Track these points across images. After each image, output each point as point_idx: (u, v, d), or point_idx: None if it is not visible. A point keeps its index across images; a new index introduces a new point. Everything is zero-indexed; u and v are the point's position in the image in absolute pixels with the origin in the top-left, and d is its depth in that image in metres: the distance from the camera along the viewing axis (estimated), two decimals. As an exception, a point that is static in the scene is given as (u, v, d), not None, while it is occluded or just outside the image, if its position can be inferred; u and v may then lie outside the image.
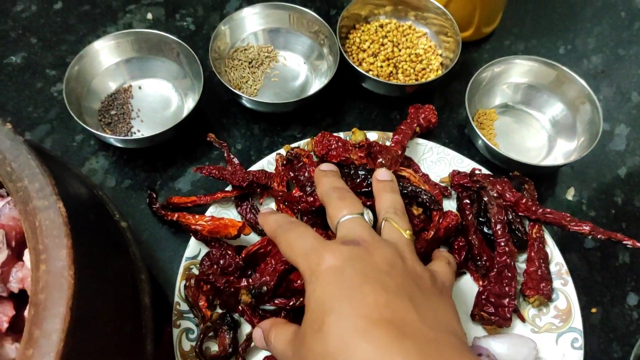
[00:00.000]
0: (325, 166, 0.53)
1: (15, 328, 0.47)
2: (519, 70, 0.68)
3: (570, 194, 0.66)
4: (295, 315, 0.52)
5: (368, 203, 0.54)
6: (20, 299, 0.47)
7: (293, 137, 0.67)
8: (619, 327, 0.58)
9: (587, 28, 0.79)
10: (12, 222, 0.47)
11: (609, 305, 0.59)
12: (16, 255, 0.46)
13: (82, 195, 0.50)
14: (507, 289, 0.55)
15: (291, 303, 0.51)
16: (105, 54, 0.64)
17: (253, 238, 0.58)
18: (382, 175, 0.52)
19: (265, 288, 0.50)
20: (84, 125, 0.58)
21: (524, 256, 0.59)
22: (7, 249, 0.45)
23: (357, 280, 0.38)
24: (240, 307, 0.53)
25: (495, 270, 0.55)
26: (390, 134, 0.63)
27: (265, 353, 0.53)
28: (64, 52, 0.71)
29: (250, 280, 0.51)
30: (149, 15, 0.74)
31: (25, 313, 0.46)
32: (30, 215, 0.39)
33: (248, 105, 0.65)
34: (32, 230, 0.38)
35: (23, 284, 0.45)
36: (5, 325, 0.45)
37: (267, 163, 0.61)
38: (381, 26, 0.72)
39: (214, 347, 0.53)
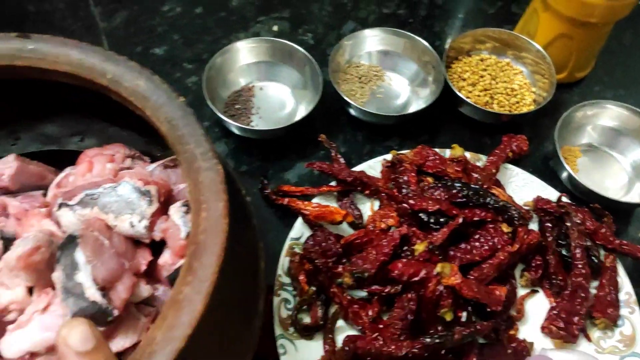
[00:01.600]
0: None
1: (149, 272, 0.55)
2: (608, 114, 0.73)
3: (643, 234, 0.70)
4: (387, 302, 0.59)
5: (454, 212, 0.60)
6: (155, 249, 0.56)
7: (391, 147, 0.74)
8: (681, 361, 0.61)
9: (675, 84, 0.84)
10: (161, 182, 0.56)
11: (673, 340, 0.63)
12: (162, 209, 0.55)
13: (226, 170, 0.59)
14: (578, 307, 0.60)
15: (386, 290, 0.57)
16: (243, 54, 0.74)
17: (348, 230, 0.65)
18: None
19: (366, 274, 0.56)
20: (215, 111, 0.68)
21: (595, 283, 0.63)
22: (158, 203, 0.54)
23: None
24: (332, 288, 0.60)
25: (569, 289, 0.60)
26: (482, 156, 0.70)
27: (346, 332, 0.59)
28: (201, 50, 0.81)
29: (352, 265, 0.57)
30: (275, 27, 0.84)
31: (159, 261, 0.54)
32: (195, 173, 0.47)
33: (355, 113, 0.73)
34: (195, 185, 0.46)
35: (164, 234, 0.54)
36: (144, 267, 0.54)
37: (368, 167, 0.69)
38: (482, 60, 0.79)
39: (306, 319, 0.60)
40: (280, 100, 0.76)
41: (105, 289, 0.48)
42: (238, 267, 0.51)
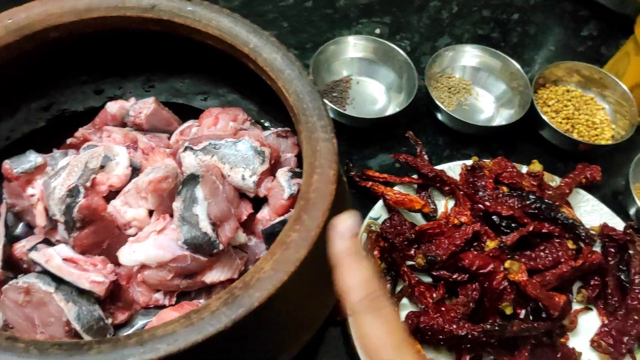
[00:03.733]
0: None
1: (247, 224, 0.62)
2: (682, 161, 0.77)
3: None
4: (451, 287, 0.64)
5: (526, 220, 0.65)
6: (256, 205, 0.62)
7: (469, 155, 0.79)
8: None
9: None
10: (274, 147, 0.63)
11: None
12: (270, 171, 0.61)
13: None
14: (629, 329, 0.63)
15: (454, 276, 0.62)
16: (350, 47, 0.81)
17: (420, 219, 0.71)
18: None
19: (438, 259, 0.62)
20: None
21: (647, 312, 0.66)
22: (269, 164, 0.60)
23: None
24: (403, 267, 0.65)
25: (624, 310, 0.64)
26: (556, 177, 0.74)
27: (407, 309, 0.64)
28: (305, 40, 0.88)
29: (426, 249, 0.63)
30: (377, 30, 0.91)
31: (258, 215, 0.61)
32: (314, 141, 0.53)
33: (441, 118, 0.78)
34: (313, 151, 0.53)
35: (268, 193, 0.60)
36: (245, 217, 0.61)
37: (448, 168, 0.74)
38: (567, 91, 0.83)
39: (375, 292, 0.65)
40: (373, 97, 0.82)
41: (215, 225, 0.55)
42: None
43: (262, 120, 0.71)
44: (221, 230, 0.56)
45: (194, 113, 0.69)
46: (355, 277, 0.36)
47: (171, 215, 0.56)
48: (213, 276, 0.56)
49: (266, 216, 0.61)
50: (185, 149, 0.60)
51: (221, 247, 0.54)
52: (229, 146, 0.60)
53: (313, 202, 0.49)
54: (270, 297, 0.43)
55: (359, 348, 0.43)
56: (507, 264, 0.59)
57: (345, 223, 0.37)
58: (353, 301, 0.35)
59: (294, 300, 0.49)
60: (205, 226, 0.54)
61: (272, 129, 0.66)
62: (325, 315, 0.56)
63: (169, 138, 0.67)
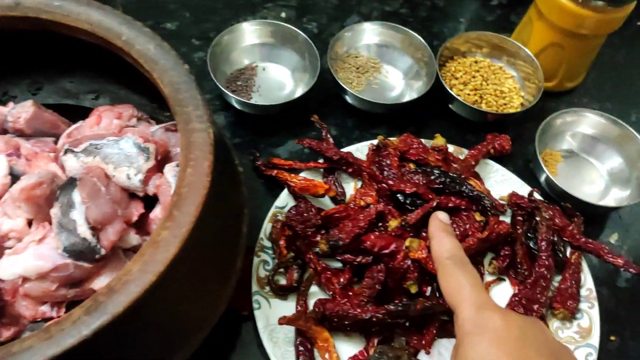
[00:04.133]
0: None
1: (139, 224, 0.59)
2: (587, 122, 0.77)
3: (613, 238, 0.73)
4: (358, 274, 0.62)
5: (430, 196, 0.64)
6: (147, 205, 0.60)
7: (380, 135, 0.77)
8: (633, 357, 0.65)
9: (661, 104, 0.87)
10: (161, 142, 0.60)
11: (628, 337, 0.66)
12: (158, 167, 0.59)
13: (218, 136, 0.63)
14: (538, 296, 0.63)
15: (357, 260, 0.61)
16: (248, 34, 0.78)
17: (329, 204, 0.69)
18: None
19: (340, 243, 0.60)
20: (217, 83, 0.72)
21: (559, 277, 0.66)
22: (154, 160, 0.58)
23: (530, 352, 0.40)
24: (309, 254, 0.64)
25: (532, 278, 0.64)
26: (465, 150, 0.74)
27: (317, 296, 0.63)
28: (208, 28, 0.86)
29: (329, 234, 0.61)
30: (283, 14, 0.88)
31: (150, 215, 0.59)
32: (189, 133, 0.51)
33: (350, 100, 0.77)
34: (187, 143, 0.50)
35: (157, 190, 0.58)
36: (135, 217, 0.58)
37: (356, 149, 0.72)
38: (476, 62, 0.83)
39: (282, 281, 0.63)
40: (280, 82, 0.80)
41: (95, 229, 0.52)
42: (220, 224, 0.55)
43: (158, 116, 0.68)
44: (103, 234, 0.53)
45: (87, 113, 0.65)
46: (445, 245, 0.50)
47: (51, 223, 0.53)
48: (102, 282, 0.54)
49: (158, 215, 0.58)
50: (66, 151, 0.57)
51: (103, 252, 0.52)
52: (111, 145, 0.57)
53: (185, 196, 0.47)
54: (137, 301, 0.41)
55: (445, 295, 0.47)
56: (407, 242, 0.58)
57: (442, 215, 0.55)
58: (442, 257, 0.49)
59: (172, 301, 0.47)
60: (84, 231, 0.51)
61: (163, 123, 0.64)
62: (219, 311, 0.54)
63: (56, 142, 0.63)
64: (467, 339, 0.42)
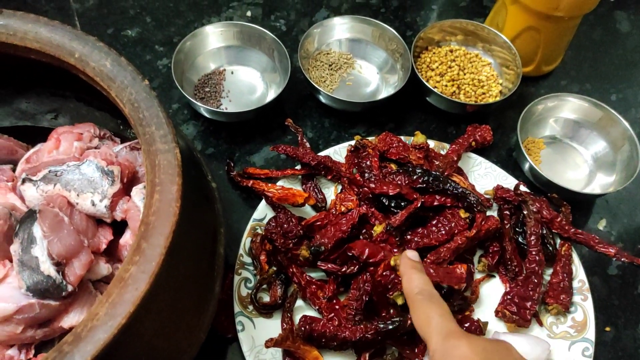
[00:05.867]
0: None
1: (109, 251, 0.56)
2: (569, 107, 0.75)
3: (601, 225, 0.72)
4: (344, 281, 0.60)
5: (415, 196, 0.62)
6: (117, 229, 0.56)
7: (358, 134, 0.75)
8: (628, 347, 0.63)
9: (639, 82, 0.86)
10: (127, 163, 0.57)
11: (622, 327, 0.65)
12: (125, 190, 0.56)
13: (186, 151, 0.59)
14: (531, 293, 0.61)
15: (343, 270, 0.58)
16: (212, 38, 0.74)
17: (310, 212, 0.66)
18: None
19: (322, 248, 0.57)
20: (183, 93, 0.68)
21: (550, 270, 0.65)
22: (120, 183, 0.54)
23: None
24: (291, 268, 0.61)
25: (523, 275, 0.62)
26: (446, 145, 0.71)
27: (303, 311, 0.60)
28: (172, 33, 0.81)
29: (312, 241, 0.59)
30: (249, 13, 0.84)
31: (120, 241, 0.55)
32: (152, 155, 0.48)
33: (324, 100, 0.74)
34: (152, 166, 0.47)
35: (125, 215, 0.55)
36: (104, 246, 0.55)
37: (334, 152, 0.70)
38: (451, 51, 0.80)
39: (266, 298, 0.61)
40: (251, 85, 0.77)
41: (60, 264, 0.49)
42: (193, 250, 0.52)
43: (124, 133, 0.64)
44: (69, 269, 0.50)
45: (47, 135, 0.61)
46: (414, 281, 0.49)
47: (12, 261, 0.50)
48: (71, 319, 0.51)
49: (129, 241, 0.55)
50: (24, 181, 0.54)
51: (70, 288, 0.49)
52: (71, 171, 0.54)
53: (153, 226, 0.43)
54: (106, 348, 0.38)
55: (417, 328, 0.47)
56: (392, 261, 0.55)
57: (411, 253, 0.53)
58: (413, 293, 0.48)
59: (147, 339, 0.44)
60: (48, 268, 0.48)
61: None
62: (199, 340, 0.51)
63: (14, 169, 0.59)
64: None
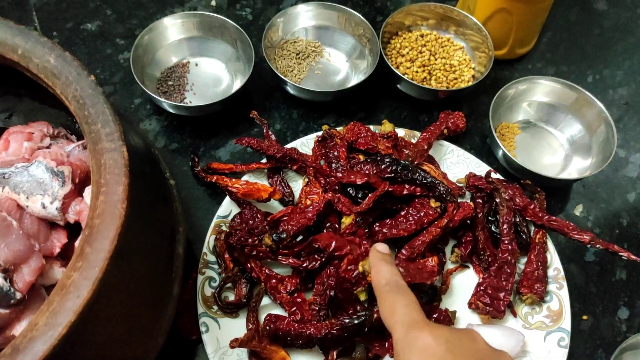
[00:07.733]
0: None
1: (65, 255, 0.54)
2: (542, 90, 0.73)
3: (578, 210, 0.70)
4: (310, 277, 0.58)
5: (382, 185, 0.60)
6: (73, 231, 0.54)
7: (327, 124, 0.72)
8: (606, 335, 0.62)
9: (617, 62, 0.84)
10: (79, 163, 0.55)
11: (600, 315, 0.63)
12: (77, 191, 0.53)
13: (141, 149, 0.57)
14: (504, 283, 0.59)
15: (304, 265, 0.57)
16: (172, 30, 0.72)
17: (278, 207, 0.64)
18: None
19: (285, 235, 0.56)
20: (144, 89, 0.66)
21: (525, 259, 0.63)
22: (72, 184, 0.52)
23: None
24: (250, 263, 0.59)
25: (496, 265, 0.60)
26: (417, 133, 0.69)
27: (267, 311, 0.58)
28: (134, 25, 0.79)
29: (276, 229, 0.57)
30: (213, 2, 0.82)
31: (76, 243, 0.53)
32: (98, 154, 0.45)
33: (291, 91, 0.71)
34: (97, 166, 0.45)
35: (79, 217, 0.52)
36: (58, 250, 0.53)
37: (301, 144, 0.67)
38: (422, 36, 0.78)
39: (231, 297, 0.59)
40: (216, 76, 0.74)
41: (8, 270, 0.47)
42: (148, 252, 0.50)
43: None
44: (18, 275, 0.48)
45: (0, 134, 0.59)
46: (382, 272, 0.48)
47: (-42, 269, 0.47)
48: (23, 327, 0.48)
49: (85, 243, 0.53)
50: (-30, 184, 0.51)
51: (19, 295, 0.47)
52: (20, 172, 0.51)
53: (97, 229, 0.41)
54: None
55: (383, 319, 0.46)
56: (360, 267, 0.53)
57: (381, 246, 0.52)
58: (380, 285, 0.47)
59: (97, 347, 0.42)
60: (-6, 276, 0.46)
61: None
62: (158, 345, 0.49)
63: (-37, 172, 0.57)
64: (396, 357, 0.43)
